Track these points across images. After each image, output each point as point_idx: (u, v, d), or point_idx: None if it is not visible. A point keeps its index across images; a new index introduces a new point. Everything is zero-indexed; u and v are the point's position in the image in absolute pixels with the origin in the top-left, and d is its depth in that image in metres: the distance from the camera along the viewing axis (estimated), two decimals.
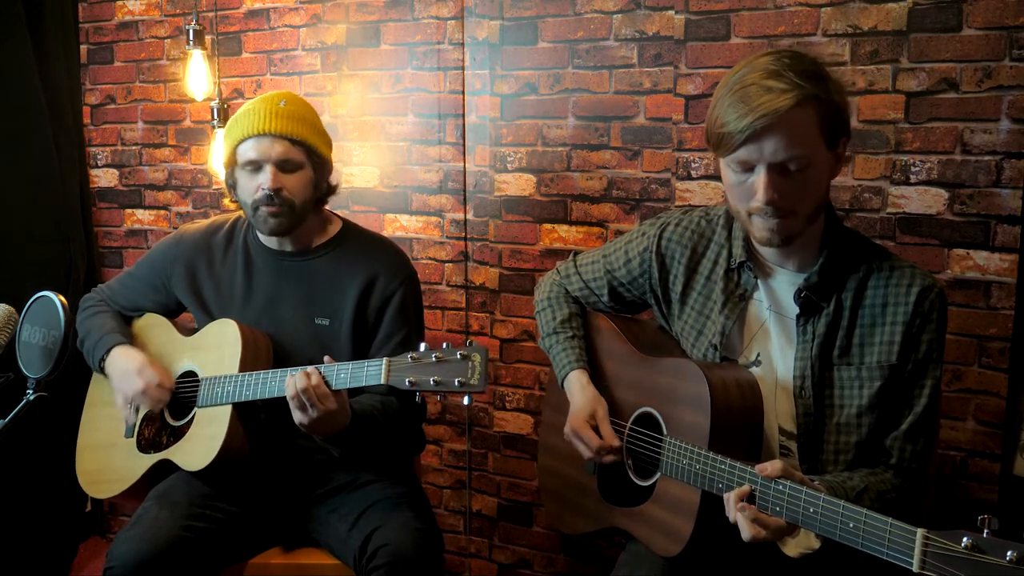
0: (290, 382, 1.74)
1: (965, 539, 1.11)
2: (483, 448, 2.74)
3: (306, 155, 1.95)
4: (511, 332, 2.64)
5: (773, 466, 1.37)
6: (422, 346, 1.68)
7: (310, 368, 1.75)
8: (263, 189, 1.91)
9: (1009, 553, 1.07)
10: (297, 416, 1.76)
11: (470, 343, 1.66)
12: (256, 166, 1.93)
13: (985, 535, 1.10)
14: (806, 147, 1.42)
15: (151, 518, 1.85)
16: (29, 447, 2.67)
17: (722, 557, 1.55)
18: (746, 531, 1.37)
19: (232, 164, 1.98)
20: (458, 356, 1.64)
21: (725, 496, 1.41)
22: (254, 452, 1.94)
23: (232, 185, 2.01)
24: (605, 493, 1.74)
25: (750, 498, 1.38)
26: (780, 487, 1.35)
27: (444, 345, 1.66)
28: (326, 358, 1.79)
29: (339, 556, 1.93)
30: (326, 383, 1.74)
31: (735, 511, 1.38)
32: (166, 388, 1.99)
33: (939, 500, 2.17)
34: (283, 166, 1.92)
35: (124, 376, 2.01)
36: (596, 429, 1.68)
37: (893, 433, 1.52)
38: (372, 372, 1.70)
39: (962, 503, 2.16)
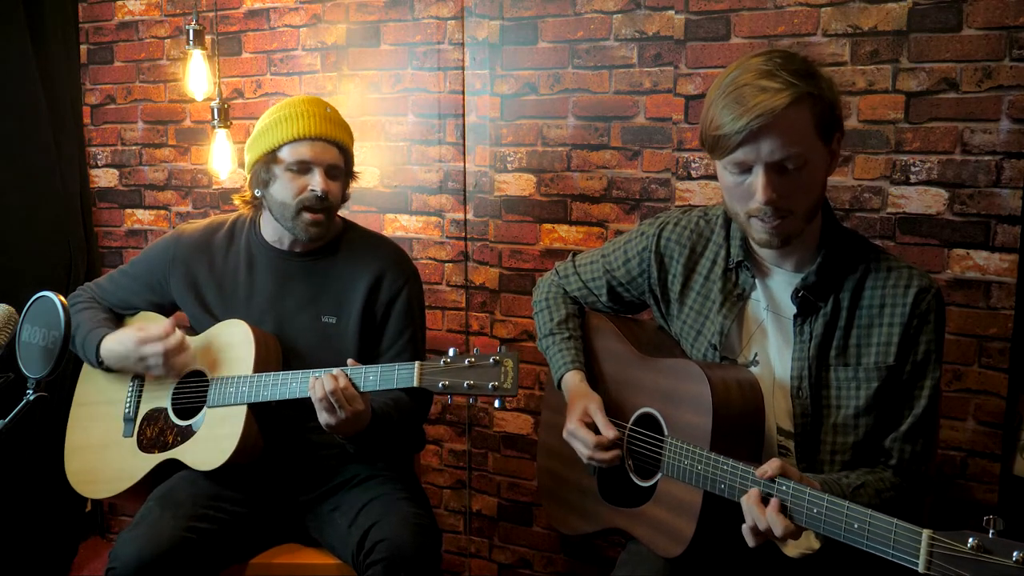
0: (317, 384, 1.76)
1: (971, 540, 1.10)
2: (483, 448, 2.74)
3: (345, 163, 2.02)
4: (511, 332, 2.64)
5: (771, 466, 1.37)
6: (451, 351, 1.71)
7: (336, 370, 1.77)
8: (312, 190, 1.94)
9: (1015, 553, 1.07)
10: (324, 417, 1.77)
11: (501, 348, 1.71)
12: (305, 168, 1.95)
13: (991, 535, 1.10)
14: (802, 145, 1.42)
15: (153, 519, 1.84)
16: (29, 447, 2.67)
17: (723, 557, 1.55)
18: (778, 527, 1.33)
19: (270, 161, 1.96)
20: (491, 361, 1.69)
21: (746, 503, 1.38)
22: (265, 451, 1.94)
23: (265, 182, 1.99)
24: (605, 494, 1.74)
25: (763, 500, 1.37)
26: (784, 487, 1.35)
27: (475, 350, 1.71)
28: (350, 360, 1.81)
29: (338, 553, 1.93)
30: (353, 385, 1.76)
31: (761, 514, 1.34)
32: (175, 335, 1.94)
33: (939, 500, 2.17)
34: (330, 171, 1.97)
35: (132, 360, 1.97)
36: (592, 426, 1.68)
37: (893, 434, 1.52)
38: (404, 375, 1.74)
39: (962, 503, 2.16)
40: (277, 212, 2.00)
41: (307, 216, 1.96)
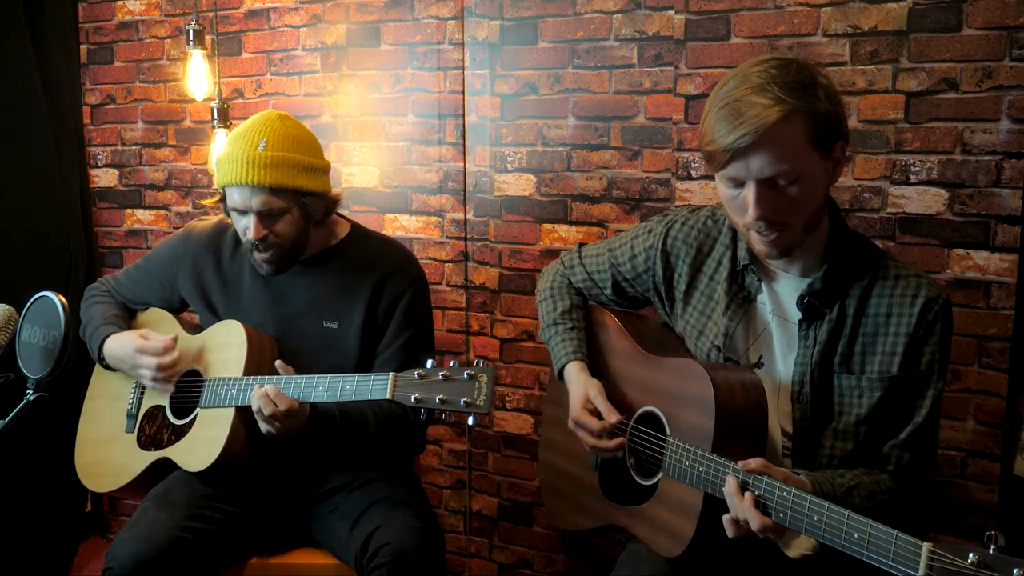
0: (254, 403, 1.79)
1: (971, 555, 1.09)
2: (483, 448, 2.74)
3: (290, 199, 1.89)
4: (511, 332, 2.64)
5: (756, 461, 1.38)
6: (428, 363, 1.68)
7: (270, 388, 1.79)
8: (248, 237, 1.92)
9: (1016, 570, 1.06)
10: (263, 427, 1.82)
11: (478, 362, 1.65)
12: (241, 212, 1.92)
13: (992, 551, 1.09)
14: (794, 161, 1.40)
15: (150, 519, 1.85)
16: (29, 447, 2.67)
17: (724, 558, 1.55)
18: (755, 522, 1.36)
19: (223, 199, 1.96)
20: (465, 376, 1.64)
21: (729, 496, 1.40)
22: (255, 454, 1.94)
23: (227, 215, 2.00)
24: (606, 491, 1.74)
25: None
26: (760, 482, 1.36)
27: (451, 363, 1.66)
28: (278, 362, 1.85)
29: (340, 556, 1.93)
30: (300, 399, 1.79)
31: (738, 503, 1.38)
32: (172, 352, 1.97)
33: (939, 500, 2.17)
34: (265, 215, 1.89)
35: (128, 365, 2.01)
36: (596, 413, 1.67)
37: (891, 441, 1.52)
38: (378, 387, 1.71)
39: (962, 503, 2.16)
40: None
41: (256, 256, 1.95)
